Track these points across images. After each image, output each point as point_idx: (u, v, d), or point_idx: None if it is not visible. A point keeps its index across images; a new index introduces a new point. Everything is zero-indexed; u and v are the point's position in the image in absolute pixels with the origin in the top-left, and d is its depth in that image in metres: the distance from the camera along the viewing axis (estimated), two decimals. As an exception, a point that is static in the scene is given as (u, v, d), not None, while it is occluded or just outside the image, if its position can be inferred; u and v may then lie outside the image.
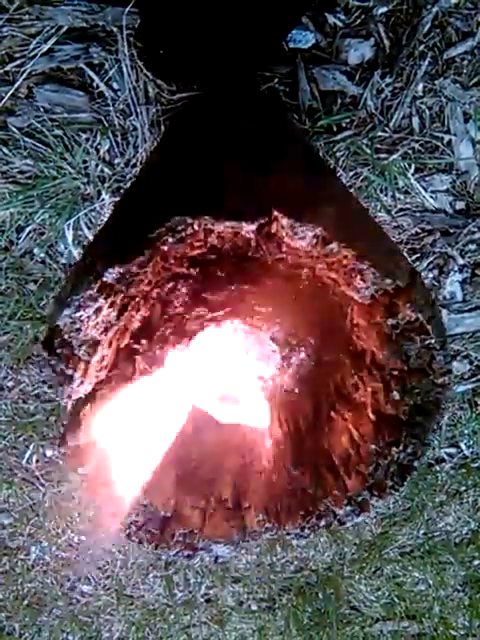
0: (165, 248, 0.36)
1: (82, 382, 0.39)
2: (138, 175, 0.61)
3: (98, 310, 0.37)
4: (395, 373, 0.41)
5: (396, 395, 0.41)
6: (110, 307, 0.37)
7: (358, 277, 0.37)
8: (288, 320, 0.44)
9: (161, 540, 0.45)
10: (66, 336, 0.38)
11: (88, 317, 0.37)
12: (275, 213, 0.36)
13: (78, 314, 0.37)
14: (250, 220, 0.36)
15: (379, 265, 0.36)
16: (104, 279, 0.36)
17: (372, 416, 0.43)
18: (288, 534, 0.45)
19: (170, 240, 0.36)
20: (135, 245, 0.36)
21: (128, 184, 1.00)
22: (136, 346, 0.44)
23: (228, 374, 0.44)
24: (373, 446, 0.42)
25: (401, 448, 0.41)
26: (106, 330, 0.38)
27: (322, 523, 0.44)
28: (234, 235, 0.38)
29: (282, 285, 0.44)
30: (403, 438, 0.41)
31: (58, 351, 0.38)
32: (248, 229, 0.36)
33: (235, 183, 0.39)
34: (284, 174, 0.41)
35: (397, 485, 0.42)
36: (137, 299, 0.40)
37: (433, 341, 0.38)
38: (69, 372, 0.39)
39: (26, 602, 1.54)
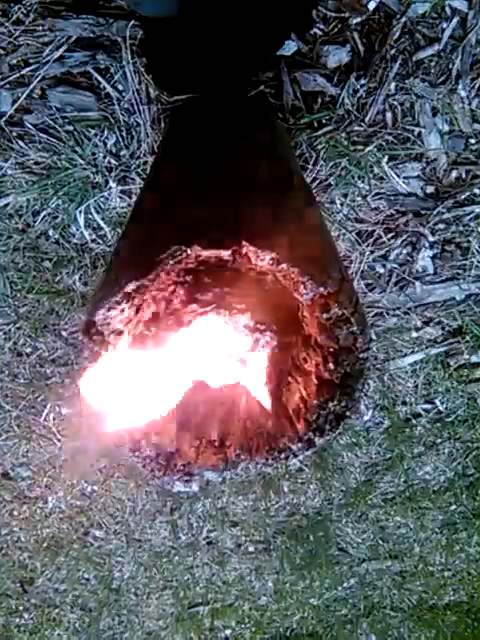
0: (168, 267, 0.56)
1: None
2: (140, 203, 0.79)
3: (122, 310, 0.56)
4: (331, 350, 0.60)
5: (331, 366, 0.61)
6: (130, 308, 0.57)
7: (301, 286, 0.56)
8: (257, 312, 0.63)
9: (167, 469, 0.66)
10: (99, 327, 0.57)
11: (115, 315, 0.56)
12: (243, 243, 0.55)
13: (109, 313, 0.56)
14: (226, 248, 0.55)
15: (316, 278, 0.55)
16: (126, 290, 0.55)
17: (315, 380, 0.63)
18: (257, 463, 0.65)
19: (171, 262, 0.55)
20: (147, 266, 0.55)
21: (132, 174, 1.18)
22: (147, 332, 0.63)
23: (214, 352, 0.64)
24: (316, 401, 0.63)
25: (336, 403, 0.62)
26: (127, 323, 0.58)
27: (282, 456, 0.65)
28: (216, 256, 0.57)
29: (253, 287, 0.63)
30: (337, 395, 0.61)
31: (94, 338, 0.58)
32: (225, 254, 0.55)
33: (217, 219, 0.57)
34: (254, 211, 0.60)
35: (333, 428, 0.62)
36: (148, 300, 0.60)
37: (355, 328, 0.58)
38: (102, 352, 0.58)
39: (45, 545, 1.78)
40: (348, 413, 0.62)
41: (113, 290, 0.55)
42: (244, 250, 0.55)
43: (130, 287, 0.55)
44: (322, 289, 0.55)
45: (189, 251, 0.54)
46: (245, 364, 0.65)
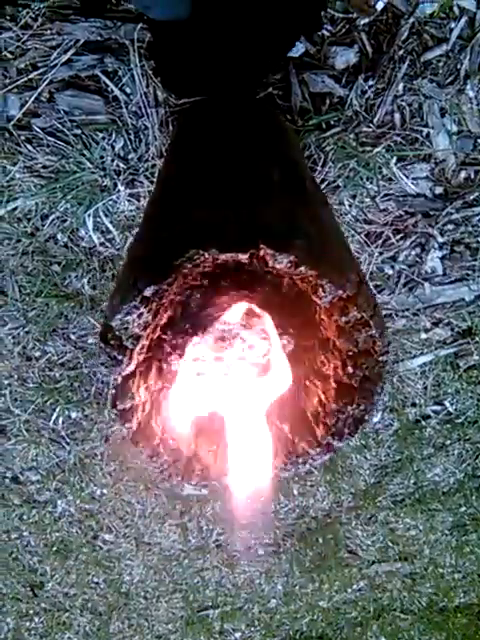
0: (185, 271, 0.55)
1: (128, 364, 0.59)
2: (152, 206, 0.79)
3: (139, 315, 0.56)
4: (350, 354, 0.60)
5: (350, 369, 0.60)
6: (148, 312, 0.56)
7: (320, 289, 0.55)
8: (275, 315, 0.63)
9: (185, 475, 0.65)
10: (117, 333, 0.57)
11: (133, 320, 0.56)
12: (261, 246, 0.54)
13: (126, 318, 0.56)
14: (243, 251, 0.54)
15: (334, 281, 0.55)
16: (144, 294, 0.55)
17: (334, 384, 0.63)
18: (275, 468, 0.65)
19: (188, 266, 0.55)
20: (165, 270, 0.55)
21: (141, 177, 1.17)
22: (164, 336, 0.63)
23: (232, 356, 0.64)
24: (334, 405, 0.62)
25: (354, 406, 0.61)
26: (145, 327, 0.57)
27: (300, 460, 0.65)
28: (233, 259, 0.56)
29: (270, 290, 0.63)
30: (355, 399, 0.61)
31: (111, 343, 0.57)
32: (243, 257, 0.55)
33: (233, 221, 0.57)
34: (270, 213, 0.59)
35: (352, 432, 0.62)
36: (165, 304, 0.59)
37: (374, 332, 0.57)
38: (119, 357, 0.58)
39: (55, 548, 1.77)
40: (367, 417, 0.61)
41: (130, 294, 0.55)
42: (261, 253, 0.55)
43: (148, 291, 0.54)
44: (341, 292, 0.55)
45: (207, 254, 0.54)
46: (263, 368, 0.65)
